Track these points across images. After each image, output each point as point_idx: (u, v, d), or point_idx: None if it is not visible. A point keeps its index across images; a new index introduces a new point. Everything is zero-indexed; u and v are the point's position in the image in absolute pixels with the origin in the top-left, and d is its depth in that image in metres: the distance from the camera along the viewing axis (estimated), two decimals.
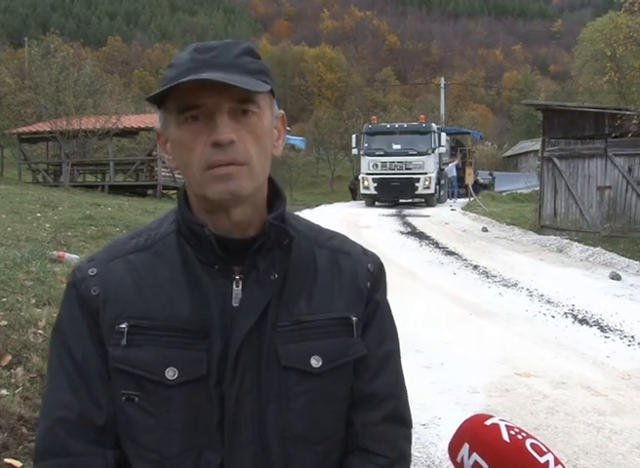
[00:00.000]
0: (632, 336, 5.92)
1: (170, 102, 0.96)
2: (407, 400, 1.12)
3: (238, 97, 0.93)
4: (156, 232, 1.05)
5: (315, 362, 1.00)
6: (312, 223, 1.12)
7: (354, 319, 1.04)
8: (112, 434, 0.99)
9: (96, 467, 0.98)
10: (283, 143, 1.07)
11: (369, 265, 1.09)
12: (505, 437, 0.88)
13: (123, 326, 0.97)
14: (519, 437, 0.89)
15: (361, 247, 1.13)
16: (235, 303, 0.98)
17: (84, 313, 1.00)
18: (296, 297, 1.02)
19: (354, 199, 27.47)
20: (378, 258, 1.12)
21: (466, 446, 0.91)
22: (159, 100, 0.97)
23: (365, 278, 1.07)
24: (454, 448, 0.93)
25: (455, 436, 0.94)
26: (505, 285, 8.46)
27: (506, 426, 0.90)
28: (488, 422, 0.91)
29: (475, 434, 0.91)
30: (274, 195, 1.05)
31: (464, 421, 0.94)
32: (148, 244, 1.03)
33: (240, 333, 0.97)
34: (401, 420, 1.09)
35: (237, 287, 0.99)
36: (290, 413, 0.99)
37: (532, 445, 0.88)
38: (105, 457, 0.98)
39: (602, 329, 6.23)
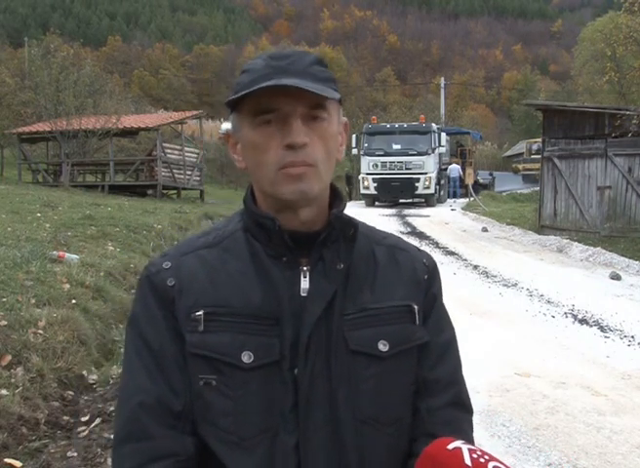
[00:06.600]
0: (632, 336, 5.92)
1: (245, 106, 1.01)
2: (466, 387, 1.17)
3: (311, 103, 0.99)
4: (224, 230, 1.11)
5: (382, 346, 1.05)
6: (367, 224, 1.19)
7: (416, 307, 1.10)
8: (189, 421, 1.03)
9: (175, 451, 1.01)
10: (344, 149, 1.13)
11: (424, 260, 1.17)
12: (467, 461, 0.88)
13: (199, 313, 1.02)
14: (481, 460, 0.88)
15: (414, 245, 1.21)
16: (303, 293, 1.03)
17: (160, 304, 1.04)
18: (359, 288, 1.07)
19: (350, 196, 27.22)
20: (431, 256, 1.20)
21: None
22: (233, 104, 1.03)
23: (422, 271, 1.14)
24: None
25: (419, 460, 0.93)
26: (505, 285, 8.46)
27: (469, 449, 0.89)
28: (450, 446, 0.91)
29: (437, 458, 0.90)
30: (334, 197, 1.11)
31: (428, 445, 0.94)
32: (217, 241, 1.09)
33: (310, 320, 1.02)
34: (464, 406, 1.14)
35: (305, 277, 1.04)
36: (360, 396, 1.03)
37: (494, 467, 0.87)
38: (184, 442, 1.02)
39: (602, 329, 6.23)
